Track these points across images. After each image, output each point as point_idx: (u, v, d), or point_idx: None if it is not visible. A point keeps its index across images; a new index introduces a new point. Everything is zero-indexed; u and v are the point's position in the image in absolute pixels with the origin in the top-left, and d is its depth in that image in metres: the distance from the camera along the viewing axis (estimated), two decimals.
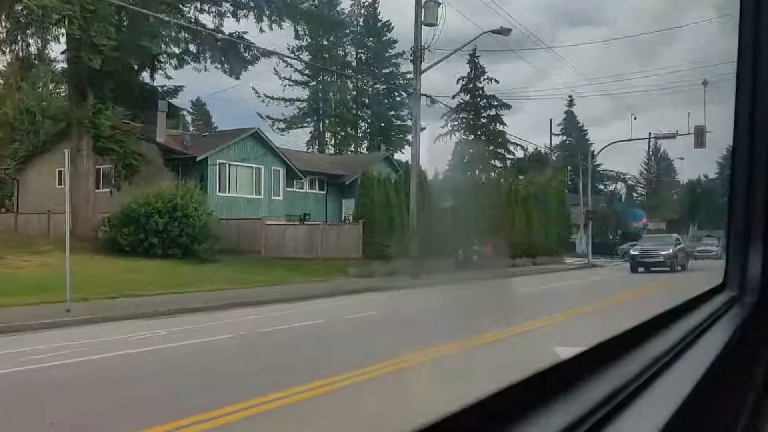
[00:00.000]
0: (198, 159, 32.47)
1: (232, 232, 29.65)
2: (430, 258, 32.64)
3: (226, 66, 32.65)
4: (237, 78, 32.99)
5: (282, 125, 73.55)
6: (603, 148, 45.73)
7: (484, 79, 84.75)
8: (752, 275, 2.83)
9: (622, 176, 77.10)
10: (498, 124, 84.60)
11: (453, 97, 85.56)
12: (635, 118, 43.66)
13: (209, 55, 31.83)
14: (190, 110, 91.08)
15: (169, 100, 33.69)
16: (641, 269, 32.99)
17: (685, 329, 2.04)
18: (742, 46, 2.87)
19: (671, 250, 33.92)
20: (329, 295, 22.03)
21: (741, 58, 2.88)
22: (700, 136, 40.47)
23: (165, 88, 33.84)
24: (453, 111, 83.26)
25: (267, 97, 71.60)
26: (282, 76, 70.72)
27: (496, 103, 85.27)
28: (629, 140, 46.50)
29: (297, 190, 38.91)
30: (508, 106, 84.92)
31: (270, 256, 28.64)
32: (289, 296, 21.04)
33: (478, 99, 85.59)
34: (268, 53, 31.98)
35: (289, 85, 71.47)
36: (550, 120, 58.30)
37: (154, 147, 33.24)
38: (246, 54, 31.48)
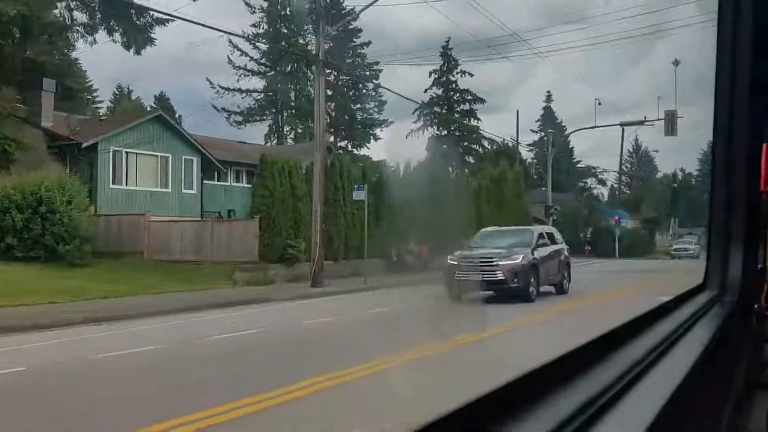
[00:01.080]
0: (84, 145, 27.57)
1: (113, 230, 24.80)
2: (360, 259, 27.88)
3: (124, 38, 27.79)
4: (138, 54, 28.10)
5: (239, 118, 68.74)
6: (566, 135, 40.80)
7: (457, 73, 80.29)
8: (733, 275, 2.91)
9: (593, 170, 72.44)
10: (472, 119, 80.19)
11: (425, 91, 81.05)
12: (599, 104, 39.15)
13: (102, 24, 26.93)
14: (153, 105, 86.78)
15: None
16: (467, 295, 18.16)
17: (667, 330, 2.01)
18: (720, 47, 2.90)
19: (521, 259, 18.07)
20: (200, 308, 17.36)
21: (719, 59, 2.89)
22: (670, 122, 35.84)
23: (56, 63, 28.89)
24: (425, 105, 78.85)
25: (222, 88, 66.76)
26: (236, 65, 65.85)
27: (469, 97, 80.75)
28: (593, 127, 41.91)
29: (218, 183, 34.06)
30: (482, 100, 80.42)
31: (153, 258, 23.82)
32: (137, 311, 16.38)
33: (451, 93, 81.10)
34: (170, 17, 26.87)
35: (244, 75, 66.54)
36: (517, 111, 53.88)
37: (40, 133, 28.37)
38: (139, 21, 26.59)
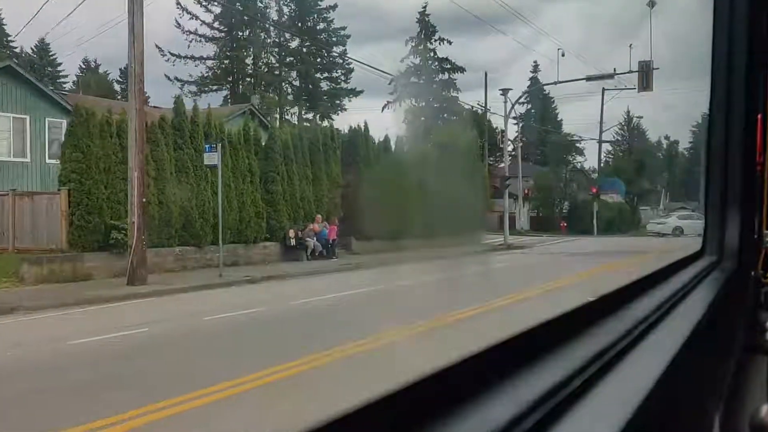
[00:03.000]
0: None
1: None
2: (243, 243, 21.58)
3: None
4: None
5: (193, 88, 62.28)
6: (520, 97, 34.17)
7: (435, 40, 73.50)
8: (730, 242, 2.88)
9: (569, 138, 65.72)
10: (452, 90, 73.54)
11: (402, 60, 74.33)
12: (563, 55, 32.45)
13: None
14: (119, 78, 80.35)
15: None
16: None
17: (668, 292, 2.00)
18: (717, 17, 2.84)
19: None
20: None
21: (716, 29, 2.83)
22: (645, 75, 29.28)
23: None
24: (401, 75, 72.26)
25: (172, 54, 60.27)
26: (185, 29, 59.27)
27: (448, 66, 73.97)
28: (555, 83, 35.31)
29: None
30: (462, 70, 73.36)
31: None
32: None
33: (429, 62, 74.31)
34: None
35: (196, 40, 59.94)
36: (485, 73, 47.46)
37: None
38: None
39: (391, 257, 24.23)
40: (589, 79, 31.11)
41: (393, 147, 29.20)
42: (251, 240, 21.51)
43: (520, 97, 35.11)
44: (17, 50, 72.36)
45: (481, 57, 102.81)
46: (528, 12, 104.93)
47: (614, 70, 30.14)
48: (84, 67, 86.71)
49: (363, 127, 27.37)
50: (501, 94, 35.16)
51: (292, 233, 22.96)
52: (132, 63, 15.45)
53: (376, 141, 28.14)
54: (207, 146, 17.80)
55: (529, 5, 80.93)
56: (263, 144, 22.65)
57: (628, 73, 29.57)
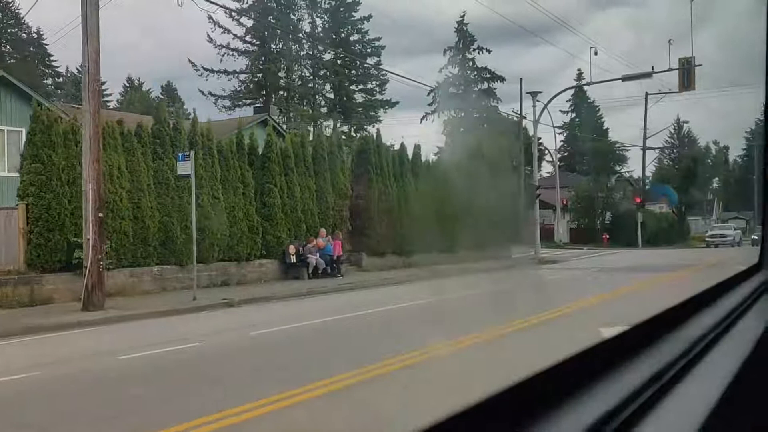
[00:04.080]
0: None
1: None
2: (243, 261, 19.70)
3: None
4: None
5: (227, 102, 61.22)
6: (551, 99, 31.53)
7: (474, 50, 71.23)
8: None
9: (613, 145, 62.28)
10: (492, 99, 71.01)
11: (440, 71, 72.47)
12: (596, 53, 30.00)
13: None
14: (161, 95, 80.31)
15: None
16: None
17: (726, 309, 1.92)
18: None
19: None
20: None
21: None
22: (686, 72, 26.46)
23: None
24: (439, 86, 70.17)
25: (205, 69, 59.29)
26: (217, 43, 58.24)
27: (488, 75, 71.55)
28: (588, 84, 32.49)
29: None
30: (501, 79, 70.73)
31: None
32: None
33: (468, 72, 72.05)
34: None
35: (228, 54, 58.83)
36: (520, 80, 44.78)
37: None
38: None
39: (401, 275, 22.01)
40: (624, 79, 28.35)
41: (421, 157, 27.04)
42: (244, 257, 19.53)
43: (551, 100, 32.43)
44: (59, 69, 72.89)
45: (526, 68, 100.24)
46: (574, 21, 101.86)
47: (652, 68, 27.35)
48: (128, 85, 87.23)
49: (375, 134, 25.27)
50: (533, 98, 32.39)
51: (292, 249, 20.91)
52: (86, 62, 13.67)
53: (392, 149, 26.03)
54: (180, 155, 15.91)
55: (575, 15, 77.99)
56: (260, 153, 20.71)
57: (667, 71, 26.76)
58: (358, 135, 58.76)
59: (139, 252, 16.81)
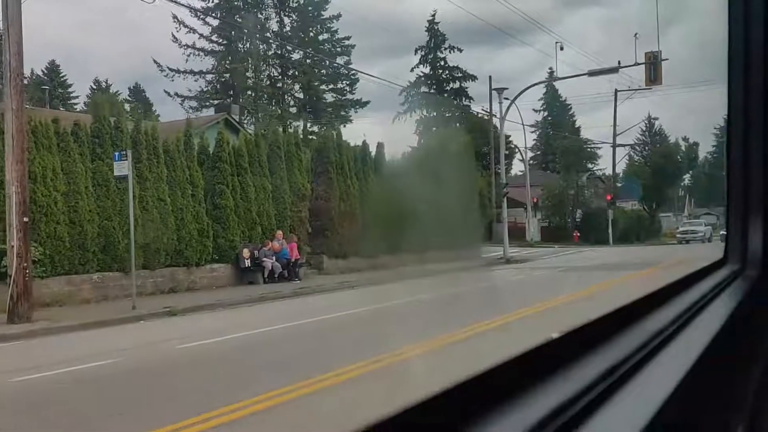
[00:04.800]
0: None
1: None
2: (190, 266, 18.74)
3: None
4: None
5: (194, 103, 59.92)
6: (518, 95, 30.85)
7: (445, 48, 70.69)
8: (754, 249, 2.73)
9: (585, 143, 62.01)
10: (463, 98, 70.43)
11: (412, 70, 71.87)
12: (561, 48, 29.48)
13: None
14: (128, 98, 78.75)
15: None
16: None
17: (686, 303, 1.94)
18: (732, 18, 2.76)
19: None
20: None
21: (732, 31, 2.76)
22: (652, 67, 25.94)
23: None
24: (411, 86, 69.44)
25: (170, 70, 58.00)
26: (182, 43, 56.95)
27: (459, 74, 71.03)
28: (555, 79, 31.88)
29: None
30: (473, 78, 70.18)
31: None
32: None
33: (440, 71, 71.51)
34: None
35: (194, 54, 57.57)
36: (489, 77, 44.29)
37: None
38: None
39: (361, 278, 21.13)
40: (591, 74, 27.78)
41: (384, 156, 26.22)
42: (194, 262, 18.55)
43: (517, 96, 31.70)
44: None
45: (499, 68, 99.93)
46: (546, 21, 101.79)
47: (618, 63, 26.79)
48: (95, 87, 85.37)
49: (335, 133, 24.42)
50: (499, 95, 31.70)
51: (246, 253, 19.95)
52: (6, 55, 12.66)
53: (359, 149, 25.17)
54: (116, 154, 14.90)
55: (548, 15, 77.65)
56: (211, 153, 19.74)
57: (634, 65, 26.20)
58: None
59: (77, 258, 15.77)
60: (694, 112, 78.32)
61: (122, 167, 14.48)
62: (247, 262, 19.95)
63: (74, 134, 16.15)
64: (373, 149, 25.87)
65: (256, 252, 20.11)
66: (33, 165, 14.89)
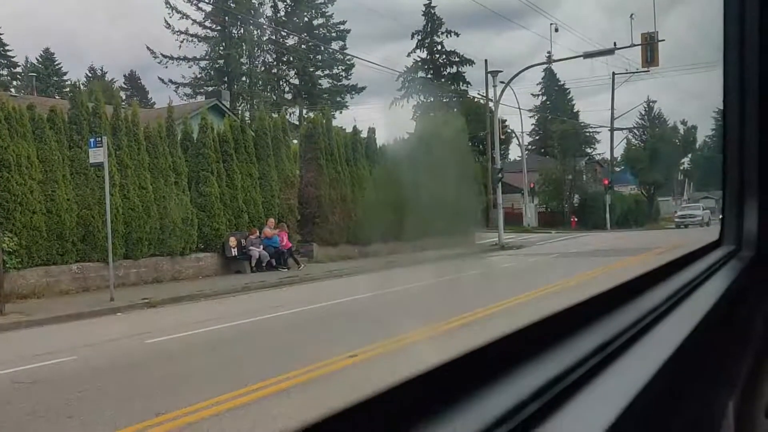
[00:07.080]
0: None
1: None
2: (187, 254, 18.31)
3: None
4: None
5: (188, 90, 59.31)
6: (512, 78, 30.31)
7: (442, 33, 69.91)
8: (749, 230, 2.76)
9: (583, 127, 61.33)
10: (461, 83, 69.67)
11: (408, 55, 71.18)
12: (556, 30, 28.72)
13: None
14: (124, 85, 78.13)
15: None
16: None
17: (681, 282, 1.95)
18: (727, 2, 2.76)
19: None
20: None
21: (728, 11, 2.74)
22: (649, 48, 25.36)
23: None
24: (408, 71, 68.73)
25: (164, 56, 57.33)
26: (175, 29, 56.27)
27: (456, 59, 70.25)
28: (551, 62, 31.32)
29: None
30: (471, 62, 69.38)
31: None
32: None
33: (437, 56, 70.71)
34: None
35: (188, 40, 56.89)
36: (485, 60, 43.63)
37: None
38: None
39: (351, 266, 20.69)
40: (586, 56, 27.19)
41: (376, 141, 25.71)
42: (178, 252, 18.09)
43: (512, 79, 31.13)
44: (15, 59, 70.33)
45: (498, 53, 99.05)
46: (545, 4, 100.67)
47: (614, 44, 26.20)
48: (90, 75, 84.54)
49: (323, 117, 23.90)
50: (494, 78, 31.11)
51: (233, 241, 19.49)
52: None
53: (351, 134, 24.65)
54: (91, 140, 14.39)
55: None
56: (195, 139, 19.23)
57: (629, 47, 25.62)
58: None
59: (55, 249, 15.31)
60: (694, 96, 77.53)
61: (98, 154, 13.99)
62: (234, 251, 19.50)
63: (50, 121, 15.64)
64: (365, 135, 25.40)
65: (243, 240, 19.65)
66: (6, 153, 14.41)
